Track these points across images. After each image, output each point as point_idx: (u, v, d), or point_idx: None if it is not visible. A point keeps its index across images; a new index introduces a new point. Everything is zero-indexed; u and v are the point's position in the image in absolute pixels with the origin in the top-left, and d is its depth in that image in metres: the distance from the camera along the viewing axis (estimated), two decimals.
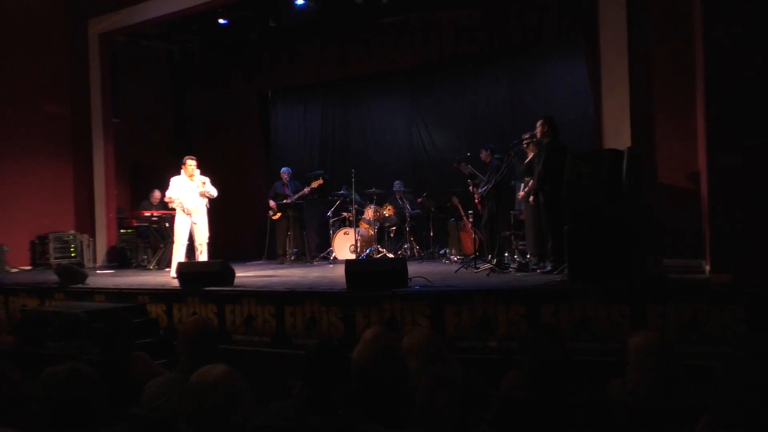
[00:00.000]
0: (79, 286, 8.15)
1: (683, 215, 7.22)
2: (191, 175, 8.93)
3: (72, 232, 12.29)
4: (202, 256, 8.94)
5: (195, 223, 8.89)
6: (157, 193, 11.93)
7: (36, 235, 12.08)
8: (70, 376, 2.42)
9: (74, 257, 11.91)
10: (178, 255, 8.79)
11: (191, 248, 9.06)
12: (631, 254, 5.71)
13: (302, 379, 2.90)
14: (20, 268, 11.74)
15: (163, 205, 11.59)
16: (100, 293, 7.80)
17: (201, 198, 8.99)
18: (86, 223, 12.47)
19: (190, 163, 8.98)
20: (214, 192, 9.04)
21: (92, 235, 12.33)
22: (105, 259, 12.24)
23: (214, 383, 2.23)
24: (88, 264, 11.82)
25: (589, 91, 9.35)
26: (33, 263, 12.07)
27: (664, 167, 7.60)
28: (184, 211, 8.87)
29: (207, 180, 9.07)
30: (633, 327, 4.94)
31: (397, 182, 11.75)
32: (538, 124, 7.52)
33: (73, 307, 7.14)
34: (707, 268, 5.92)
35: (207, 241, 8.99)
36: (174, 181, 8.96)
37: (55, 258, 11.64)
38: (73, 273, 8.37)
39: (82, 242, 12.16)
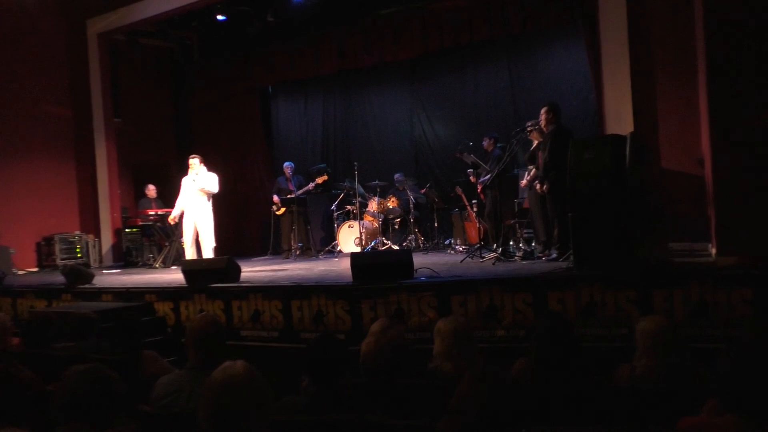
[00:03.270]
0: (86, 286, 8.17)
1: (688, 199, 7.21)
2: (197, 174, 9.12)
3: (77, 232, 12.32)
4: (205, 253, 9.06)
5: (196, 220, 9.09)
6: (151, 187, 11.99)
7: (41, 237, 12.12)
8: (91, 375, 2.46)
9: (80, 257, 11.94)
10: (186, 251, 9.05)
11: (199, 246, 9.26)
12: (636, 239, 5.70)
13: (307, 372, 2.91)
14: (27, 269, 11.78)
15: (162, 199, 11.71)
16: (108, 293, 7.82)
17: (200, 195, 9.09)
18: (91, 223, 12.51)
19: (191, 163, 9.21)
20: (209, 188, 9.12)
21: (97, 235, 12.37)
22: (111, 259, 12.28)
23: (238, 379, 2.25)
24: (94, 264, 11.86)
25: (590, 77, 9.33)
26: (39, 265, 12.11)
27: (668, 151, 7.58)
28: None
29: (212, 176, 9.16)
30: (640, 312, 4.94)
31: (397, 174, 11.76)
32: (543, 111, 7.49)
33: (81, 307, 7.16)
34: (713, 251, 5.91)
35: (212, 244, 9.14)
36: (183, 181, 9.33)
37: (62, 259, 11.67)
38: (80, 273, 8.39)
39: (87, 242, 12.19)
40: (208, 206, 9.28)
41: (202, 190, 9.15)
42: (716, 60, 5.67)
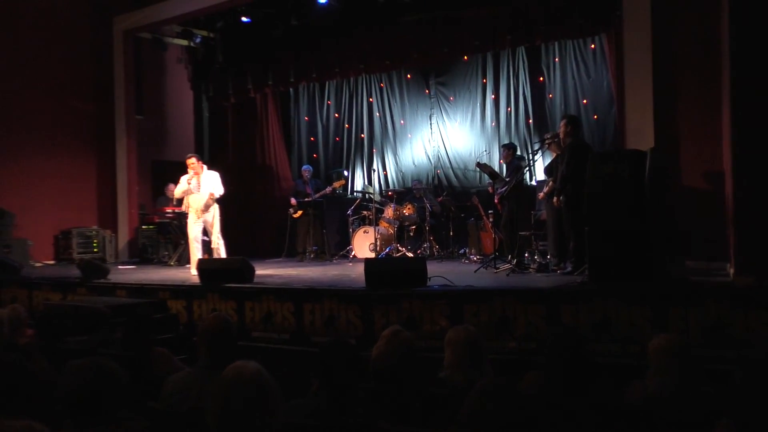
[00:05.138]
0: (101, 281, 8.23)
1: (707, 217, 7.14)
2: (197, 173, 8.88)
3: (95, 227, 12.43)
4: (220, 251, 8.91)
5: (207, 220, 8.90)
6: (172, 186, 12.04)
7: (59, 230, 12.24)
8: (91, 369, 2.45)
9: (96, 252, 12.04)
10: (196, 252, 8.83)
11: (209, 245, 9.06)
12: (652, 255, 5.66)
13: (317, 376, 2.90)
14: (44, 262, 11.90)
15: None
16: (122, 288, 7.87)
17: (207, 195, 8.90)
18: (108, 219, 12.62)
19: (189, 163, 8.92)
20: (218, 192, 8.93)
21: (114, 230, 12.47)
22: (126, 255, 12.37)
23: (248, 379, 2.25)
24: (109, 259, 11.95)
25: (612, 91, 9.27)
26: (56, 258, 12.23)
27: (688, 168, 7.51)
28: (190, 202, 8.87)
29: (215, 177, 8.97)
30: (654, 329, 4.89)
31: (414, 181, 11.76)
32: (562, 123, 7.46)
33: (95, 301, 7.22)
34: (731, 270, 5.84)
35: (219, 234, 8.93)
36: (183, 179, 9.01)
37: (78, 253, 11.77)
38: (96, 268, 8.46)
39: (104, 237, 12.29)
40: (216, 206, 9.03)
41: (212, 195, 8.86)
42: (741, 79, 5.62)
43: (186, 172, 8.97)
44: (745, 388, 2.13)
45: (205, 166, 9.08)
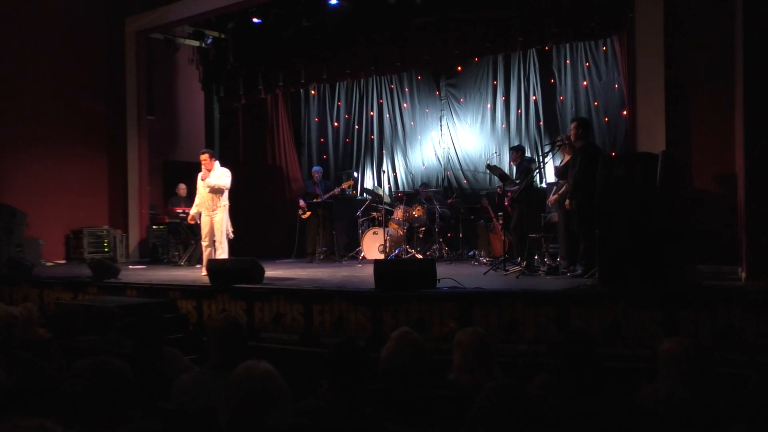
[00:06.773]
0: (112, 280, 8.27)
1: (719, 220, 7.10)
2: (209, 170, 8.80)
3: (105, 227, 12.49)
4: (221, 253, 8.70)
5: (212, 219, 8.77)
6: (182, 186, 12.08)
7: (70, 230, 12.31)
8: (99, 368, 2.45)
9: (107, 252, 12.10)
10: (206, 252, 8.83)
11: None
12: (663, 259, 5.63)
13: (326, 377, 2.91)
14: (55, 261, 11.96)
15: (190, 198, 11.69)
16: (132, 288, 7.91)
17: (214, 193, 8.77)
18: (119, 219, 12.68)
19: (203, 158, 8.89)
20: (218, 183, 8.73)
21: (125, 230, 12.52)
22: (137, 255, 12.42)
23: (258, 379, 2.26)
24: (120, 259, 12.00)
25: (624, 93, 9.23)
26: (67, 257, 12.29)
27: (700, 171, 7.48)
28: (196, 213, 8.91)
29: (223, 171, 8.90)
30: (665, 333, 4.87)
31: (424, 183, 11.78)
32: (572, 126, 7.43)
33: (105, 301, 7.26)
34: (743, 274, 5.81)
35: (225, 237, 8.78)
36: (198, 179, 8.95)
37: (89, 252, 11.84)
38: (106, 267, 8.49)
39: (115, 237, 12.34)
40: (222, 204, 8.81)
41: (212, 187, 8.70)
42: (755, 82, 5.59)
43: (200, 170, 8.99)
44: (759, 392, 2.11)
45: (217, 162, 9.01)
